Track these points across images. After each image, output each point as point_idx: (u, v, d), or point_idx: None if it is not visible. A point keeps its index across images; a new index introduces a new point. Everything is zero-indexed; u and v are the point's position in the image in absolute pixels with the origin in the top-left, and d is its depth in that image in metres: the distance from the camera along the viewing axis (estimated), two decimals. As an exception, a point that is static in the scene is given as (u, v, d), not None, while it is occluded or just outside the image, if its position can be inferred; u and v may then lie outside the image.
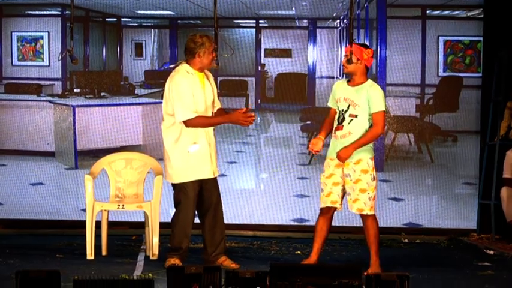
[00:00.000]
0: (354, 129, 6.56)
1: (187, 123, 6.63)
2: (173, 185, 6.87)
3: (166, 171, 6.86)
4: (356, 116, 6.57)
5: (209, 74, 6.89)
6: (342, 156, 6.52)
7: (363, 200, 6.58)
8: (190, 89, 6.64)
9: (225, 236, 7.03)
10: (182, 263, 6.71)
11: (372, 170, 6.60)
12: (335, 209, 6.76)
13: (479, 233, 8.44)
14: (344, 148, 6.53)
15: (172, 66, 6.85)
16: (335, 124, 6.70)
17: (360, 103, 6.56)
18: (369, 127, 6.57)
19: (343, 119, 6.62)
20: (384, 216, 8.60)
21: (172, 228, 6.91)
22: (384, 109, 6.58)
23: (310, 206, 9.26)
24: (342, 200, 6.76)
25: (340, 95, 6.69)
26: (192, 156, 6.69)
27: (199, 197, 6.88)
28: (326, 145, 6.82)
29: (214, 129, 6.83)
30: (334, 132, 6.68)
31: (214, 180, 6.90)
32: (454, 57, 14.79)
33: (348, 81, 6.71)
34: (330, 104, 6.87)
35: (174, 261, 6.76)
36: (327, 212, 6.78)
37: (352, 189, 6.61)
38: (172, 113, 6.68)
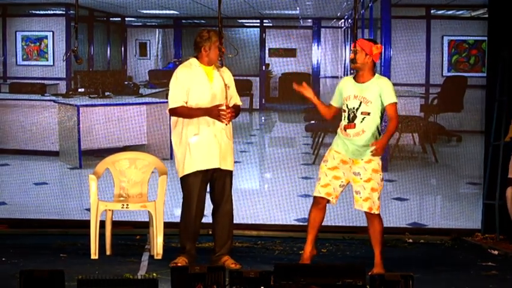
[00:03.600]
0: (367, 127, 6.48)
1: (170, 112, 6.73)
2: (180, 181, 6.88)
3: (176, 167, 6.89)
4: (369, 114, 6.48)
5: (225, 70, 6.87)
6: (380, 150, 6.41)
7: (372, 199, 6.55)
8: (185, 80, 6.68)
9: (232, 237, 7.02)
10: (189, 263, 6.68)
11: (381, 171, 6.58)
12: (328, 201, 6.72)
13: (483, 233, 8.43)
14: (379, 142, 6.39)
15: (175, 60, 6.90)
16: (345, 122, 6.60)
17: (372, 99, 6.48)
18: (380, 124, 6.54)
19: (355, 116, 6.54)
20: (388, 216, 8.59)
21: (179, 226, 6.94)
22: (396, 101, 6.49)
23: (314, 205, 9.25)
24: (338, 197, 6.73)
25: (349, 92, 6.60)
26: (193, 147, 6.67)
27: (212, 196, 6.90)
28: (326, 145, 6.80)
29: (227, 124, 6.76)
30: (345, 130, 6.57)
31: (225, 176, 6.84)
32: (459, 57, 14.80)
33: (355, 78, 6.66)
34: (333, 102, 6.76)
35: (178, 260, 6.75)
36: (319, 202, 6.70)
37: (362, 187, 6.56)
38: None
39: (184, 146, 6.71)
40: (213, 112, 6.62)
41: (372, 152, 6.44)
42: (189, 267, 5.15)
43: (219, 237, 6.91)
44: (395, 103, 6.50)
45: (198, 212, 6.81)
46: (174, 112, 6.72)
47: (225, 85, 6.77)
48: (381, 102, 6.48)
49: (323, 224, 6.82)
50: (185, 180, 6.77)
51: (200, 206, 6.82)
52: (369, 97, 6.49)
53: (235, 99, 6.90)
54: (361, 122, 6.51)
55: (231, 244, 6.97)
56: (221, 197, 6.85)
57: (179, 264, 6.60)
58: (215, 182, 6.84)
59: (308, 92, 6.72)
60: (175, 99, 6.69)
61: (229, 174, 6.87)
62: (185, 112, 6.68)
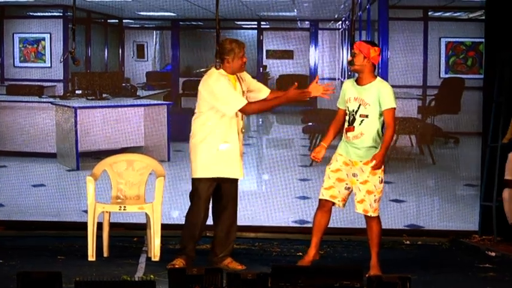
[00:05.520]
0: (366, 129, 6.50)
1: (246, 109, 6.70)
2: (192, 182, 6.86)
3: (191, 166, 6.84)
4: (367, 116, 6.49)
5: (243, 74, 6.93)
6: (379, 163, 6.47)
7: (368, 202, 6.55)
8: (230, 85, 6.70)
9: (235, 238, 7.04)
10: (186, 264, 6.68)
11: (381, 173, 6.56)
12: (333, 203, 6.72)
13: (480, 234, 8.43)
14: (377, 155, 6.44)
15: (203, 70, 6.91)
16: (346, 125, 6.64)
17: (370, 102, 6.49)
18: (381, 127, 6.54)
19: (354, 119, 6.55)
20: (385, 218, 8.56)
21: (183, 228, 6.92)
22: (395, 106, 6.49)
23: (311, 207, 9.21)
24: (346, 200, 6.73)
25: (350, 95, 6.62)
26: (222, 154, 6.71)
27: (217, 197, 6.89)
28: (333, 147, 6.80)
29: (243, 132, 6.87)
30: (346, 133, 6.61)
31: (235, 182, 6.91)
32: (456, 59, 14.79)
33: (356, 81, 6.66)
34: (338, 105, 6.79)
35: (176, 262, 6.75)
36: (324, 205, 6.72)
37: (358, 189, 6.57)
38: (208, 109, 6.70)
39: (209, 149, 6.70)
40: (292, 95, 6.70)
41: (371, 167, 6.46)
42: (186, 269, 5.14)
43: (222, 239, 6.92)
44: (393, 109, 6.49)
45: (206, 214, 6.84)
46: (250, 108, 6.73)
47: (243, 92, 6.80)
48: (379, 106, 6.48)
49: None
50: (202, 182, 6.77)
51: (208, 208, 6.86)
52: (367, 99, 6.49)
53: (265, 89, 7.01)
54: (360, 124, 6.52)
55: (233, 245, 7.00)
56: (229, 199, 6.91)
57: (177, 266, 6.60)
58: (223, 185, 6.84)
59: (322, 154, 6.75)
60: (237, 99, 6.66)
61: (236, 181, 6.97)
62: (262, 104, 6.83)
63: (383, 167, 6.55)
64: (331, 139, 6.79)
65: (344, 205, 6.77)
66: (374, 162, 6.44)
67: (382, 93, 6.48)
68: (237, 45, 6.79)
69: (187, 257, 6.83)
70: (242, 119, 6.87)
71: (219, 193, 6.88)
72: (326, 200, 6.70)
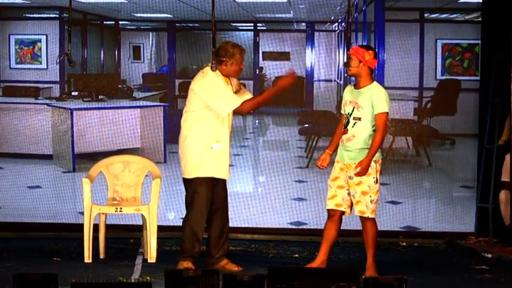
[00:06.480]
0: (358, 132, 6.51)
1: (241, 109, 6.70)
2: (187, 183, 6.82)
3: (183, 167, 6.81)
4: (360, 119, 6.51)
5: (233, 79, 6.93)
6: (363, 171, 6.49)
7: (364, 203, 6.54)
8: (226, 85, 6.72)
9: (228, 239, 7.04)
10: (195, 267, 6.64)
11: (375, 173, 6.54)
12: (342, 212, 6.74)
13: (477, 236, 8.43)
14: (362, 162, 6.44)
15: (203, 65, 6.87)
16: (342, 128, 6.67)
17: (363, 105, 6.50)
18: (373, 130, 6.54)
19: (348, 122, 6.59)
20: (381, 220, 8.58)
21: (183, 229, 6.86)
22: (387, 110, 6.50)
23: (307, 209, 9.26)
24: (352, 206, 6.73)
25: (346, 98, 6.65)
26: (214, 154, 6.70)
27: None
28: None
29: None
30: (341, 136, 6.66)
31: (225, 182, 6.91)
32: (452, 60, 14.84)
33: (355, 85, 6.69)
34: (342, 111, 6.85)
35: (187, 264, 6.69)
36: (332, 215, 6.74)
37: (354, 191, 6.58)
38: (202, 108, 6.67)
39: (203, 149, 6.68)
40: (280, 84, 6.74)
41: (354, 174, 6.48)
42: (183, 271, 5.14)
43: (217, 240, 6.90)
44: (385, 113, 6.49)
45: (206, 216, 6.84)
46: (247, 106, 6.73)
47: (234, 93, 6.81)
48: (372, 110, 6.50)
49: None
50: (201, 182, 6.75)
51: (208, 210, 6.84)
52: (361, 103, 6.52)
53: (248, 94, 6.99)
54: (353, 127, 6.54)
55: (228, 246, 7.00)
56: (221, 199, 6.88)
57: (192, 268, 6.51)
58: (215, 187, 6.84)
59: (327, 161, 6.77)
60: (233, 98, 6.68)
61: (225, 181, 6.96)
62: (256, 100, 6.82)
63: (379, 167, 6.56)
64: (336, 145, 6.80)
65: (351, 211, 6.76)
66: (359, 168, 6.46)
67: (375, 97, 6.49)
68: (239, 51, 6.79)
69: (194, 259, 6.81)
70: (232, 120, 6.87)
71: (211, 196, 6.87)
72: (333, 210, 6.73)
